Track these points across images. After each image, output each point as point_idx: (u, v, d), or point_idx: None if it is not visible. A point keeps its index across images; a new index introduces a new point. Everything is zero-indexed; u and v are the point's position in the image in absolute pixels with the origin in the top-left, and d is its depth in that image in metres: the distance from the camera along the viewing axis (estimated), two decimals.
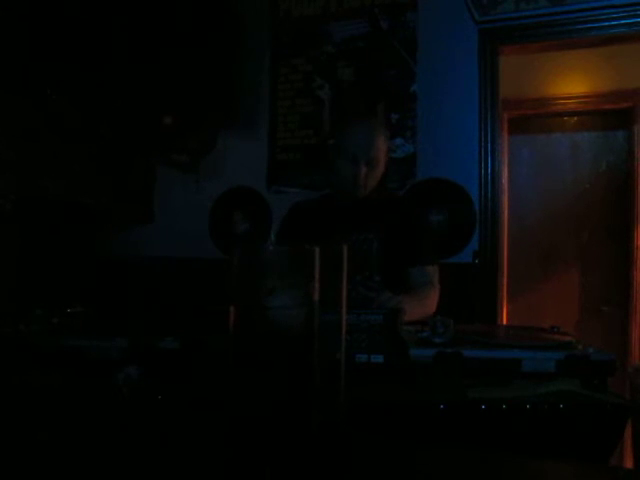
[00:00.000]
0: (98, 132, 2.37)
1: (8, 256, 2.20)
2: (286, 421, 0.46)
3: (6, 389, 0.93)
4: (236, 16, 2.62)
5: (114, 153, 2.53)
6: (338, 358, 0.53)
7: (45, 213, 2.38)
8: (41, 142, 2.19)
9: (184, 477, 0.56)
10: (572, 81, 3.07)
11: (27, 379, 0.98)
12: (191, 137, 2.55)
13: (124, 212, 2.74)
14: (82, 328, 1.25)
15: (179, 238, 2.68)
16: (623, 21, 2.20)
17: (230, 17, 2.57)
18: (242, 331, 0.47)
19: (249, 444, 0.46)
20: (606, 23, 2.22)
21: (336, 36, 2.57)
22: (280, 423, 0.46)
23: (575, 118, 3.19)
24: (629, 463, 2.12)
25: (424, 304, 1.56)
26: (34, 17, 2.09)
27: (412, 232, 1.71)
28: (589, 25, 2.24)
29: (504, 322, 2.89)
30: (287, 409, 0.46)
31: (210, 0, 2.47)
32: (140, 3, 2.26)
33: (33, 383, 0.97)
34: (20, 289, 2.17)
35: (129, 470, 0.57)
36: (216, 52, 2.47)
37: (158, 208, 2.82)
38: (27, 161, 2.15)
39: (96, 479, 0.55)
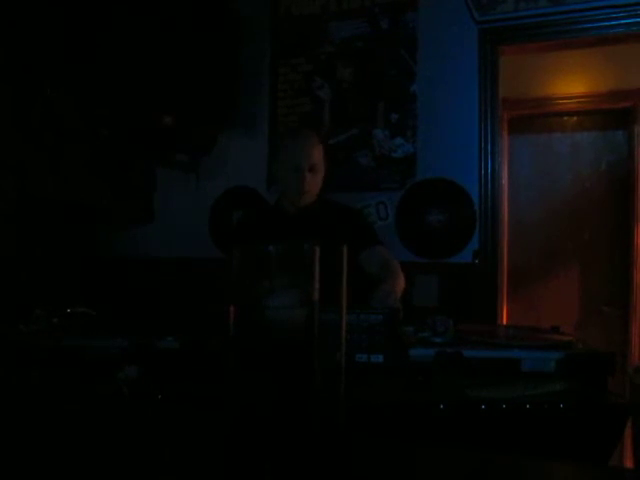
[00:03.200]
0: (98, 132, 2.37)
1: (8, 256, 2.20)
2: (286, 421, 0.46)
3: (6, 389, 0.93)
4: (236, 16, 2.62)
5: (114, 153, 2.53)
6: (338, 358, 0.53)
7: (45, 213, 2.38)
8: (41, 142, 2.19)
9: (184, 477, 0.56)
10: (572, 81, 3.07)
11: (27, 379, 0.98)
12: (191, 137, 2.55)
13: (124, 212, 2.73)
14: (82, 328, 1.25)
15: (179, 238, 2.68)
16: (623, 21, 2.20)
17: (230, 17, 2.57)
18: (242, 331, 0.47)
19: (249, 444, 0.46)
20: (606, 23, 2.22)
21: (336, 36, 2.57)
22: (280, 423, 0.46)
23: (575, 118, 3.19)
24: (629, 463, 2.12)
25: (399, 276, 1.61)
26: (34, 17, 2.09)
27: (351, 227, 1.75)
28: (589, 25, 2.24)
29: (504, 322, 2.89)
30: (287, 409, 0.46)
31: (210, 0, 2.47)
32: (140, 3, 2.25)
33: (33, 383, 0.97)
34: (20, 289, 2.17)
35: (129, 470, 0.57)
36: (216, 52, 2.47)
37: (158, 208, 2.82)
38: (27, 161, 2.15)
39: (96, 479, 0.55)
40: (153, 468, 0.57)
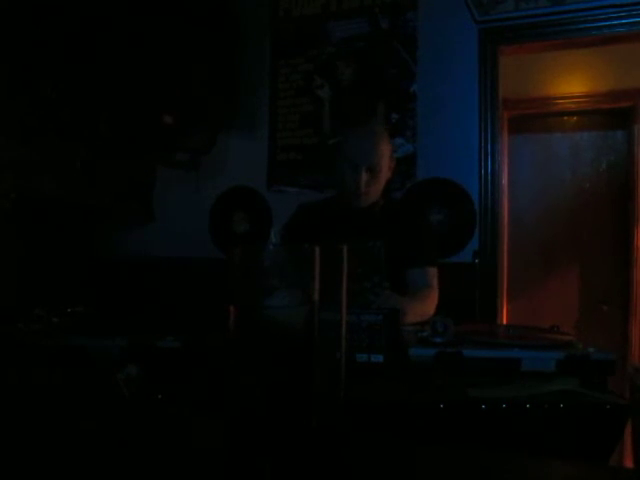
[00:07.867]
0: (98, 132, 2.37)
1: (8, 256, 2.20)
2: (286, 421, 0.46)
3: (6, 388, 0.93)
4: (236, 16, 2.62)
5: (114, 153, 2.53)
6: (338, 358, 0.53)
7: (45, 213, 2.38)
8: (40, 142, 2.19)
9: (184, 477, 0.56)
10: (572, 81, 3.07)
11: (27, 378, 0.98)
12: (191, 137, 2.55)
13: (124, 212, 2.74)
14: (82, 327, 1.25)
15: (179, 238, 2.68)
16: (623, 21, 2.20)
17: (230, 17, 2.57)
18: (242, 331, 0.47)
19: (249, 444, 0.46)
20: (606, 23, 2.22)
21: (336, 36, 2.57)
22: (280, 423, 0.46)
23: (575, 118, 3.19)
24: (629, 463, 2.12)
25: (424, 304, 1.56)
26: (34, 16, 2.09)
27: (412, 235, 1.69)
28: (589, 25, 2.24)
29: (504, 322, 2.89)
30: (287, 409, 0.46)
31: (210, 0, 2.47)
32: (140, 2, 2.25)
33: (33, 382, 0.97)
34: (20, 289, 2.17)
35: (129, 470, 0.57)
36: (216, 51, 2.47)
37: (158, 208, 2.82)
38: (27, 161, 2.15)
39: (96, 479, 0.55)
40: (153, 468, 0.57)
